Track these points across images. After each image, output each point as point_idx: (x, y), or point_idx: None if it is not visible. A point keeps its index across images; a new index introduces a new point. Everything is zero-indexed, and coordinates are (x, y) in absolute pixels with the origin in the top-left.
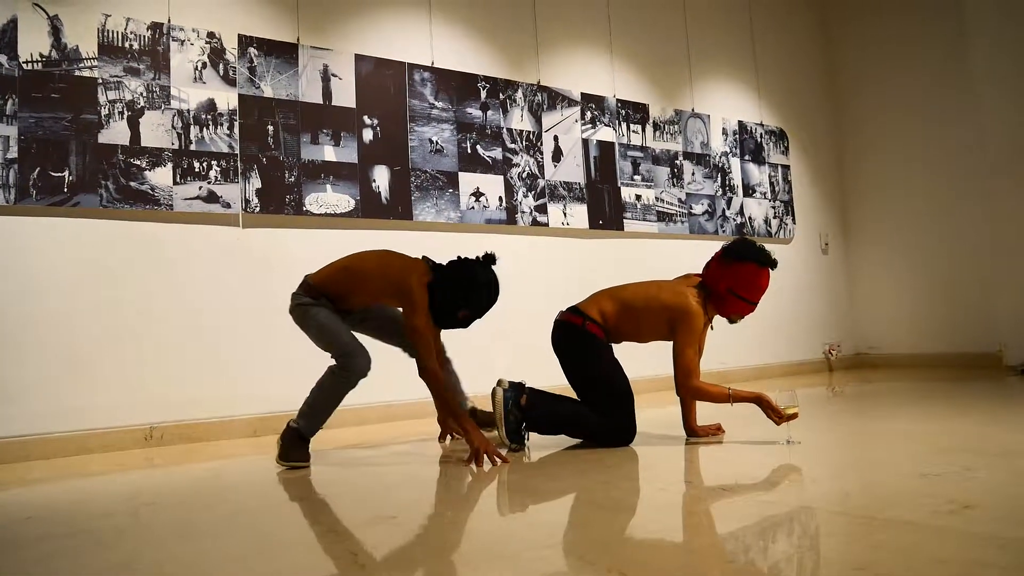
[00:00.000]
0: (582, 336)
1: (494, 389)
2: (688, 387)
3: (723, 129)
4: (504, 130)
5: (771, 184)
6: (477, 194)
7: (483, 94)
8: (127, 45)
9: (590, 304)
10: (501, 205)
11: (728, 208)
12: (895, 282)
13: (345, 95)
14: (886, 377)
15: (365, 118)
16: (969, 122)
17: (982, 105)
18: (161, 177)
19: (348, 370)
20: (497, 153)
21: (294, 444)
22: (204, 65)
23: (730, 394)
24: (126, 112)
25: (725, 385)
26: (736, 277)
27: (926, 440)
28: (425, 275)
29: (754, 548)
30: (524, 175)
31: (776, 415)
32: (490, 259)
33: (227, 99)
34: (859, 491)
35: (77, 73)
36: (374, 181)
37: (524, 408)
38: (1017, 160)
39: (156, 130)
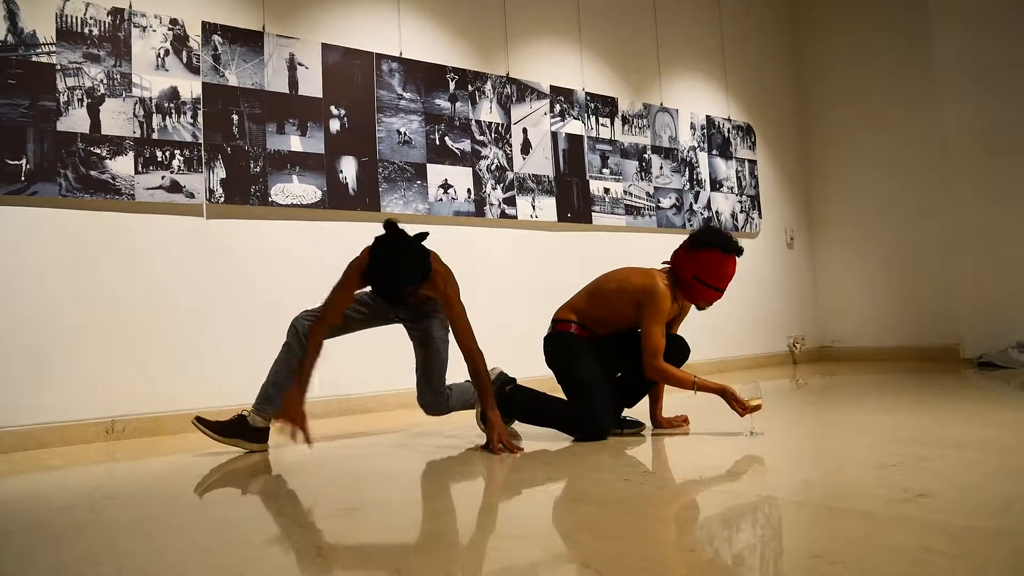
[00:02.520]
0: (551, 339)
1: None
2: (653, 367)
3: (691, 124)
4: (473, 122)
5: (738, 179)
6: (445, 186)
7: (452, 85)
8: (87, 31)
9: (564, 307)
10: (469, 197)
11: (695, 202)
12: (858, 276)
13: (312, 85)
14: (848, 370)
15: (332, 108)
16: (931, 120)
17: (943, 103)
18: (122, 166)
19: None
20: (466, 145)
21: (241, 425)
22: (167, 52)
23: (695, 382)
24: (86, 99)
25: (691, 373)
26: (701, 264)
27: (885, 431)
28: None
29: (716, 538)
30: (493, 167)
31: (739, 407)
32: (388, 226)
33: (190, 87)
34: (819, 481)
35: (34, 59)
36: (341, 172)
37: (507, 395)
38: (975, 157)
39: (117, 118)
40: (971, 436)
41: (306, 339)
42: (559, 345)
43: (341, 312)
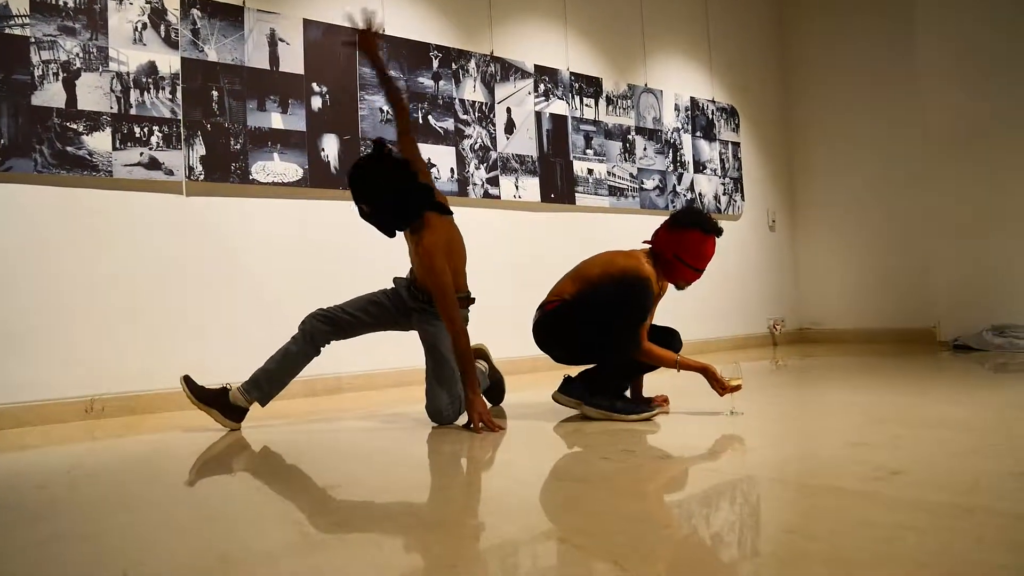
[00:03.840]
0: (547, 318)
1: (555, 399)
2: (638, 347)
3: (675, 105)
4: (456, 100)
5: (721, 161)
6: (428, 165)
7: (435, 63)
8: (61, 3)
9: (550, 294)
10: (453, 177)
11: (679, 184)
12: (837, 260)
13: (293, 61)
14: (827, 352)
15: (314, 85)
16: (912, 105)
17: (925, 89)
18: (99, 142)
19: None
20: (449, 124)
21: (221, 398)
22: (144, 26)
23: (678, 361)
24: (61, 73)
25: (675, 352)
26: (682, 244)
27: (861, 411)
28: None
29: (694, 515)
30: (476, 147)
31: (720, 386)
32: (375, 144)
33: (169, 62)
34: (796, 459)
35: (7, 31)
36: (323, 150)
37: (576, 379)
38: (954, 143)
39: (93, 93)
40: (944, 416)
41: (313, 342)
42: (558, 318)
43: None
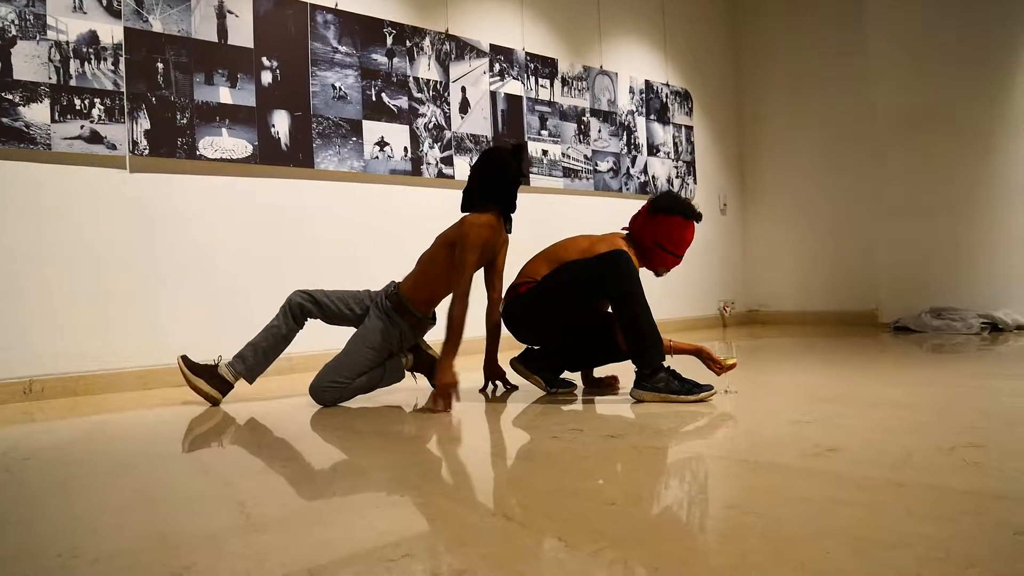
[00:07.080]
0: (518, 300)
1: (514, 367)
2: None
3: (630, 88)
4: (410, 79)
5: (675, 144)
6: (381, 143)
7: (389, 40)
8: None
9: (521, 275)
10: (406, 156)
11: (632, 166)
12: (785, 243)
13: (242, 34)
14: (774, 333)
15: (264, 60)
16: (860, 94)
17: (873, 80)
18: (37, 114)
19: None
20: (403, 102)
21: (211, 370)
22: None
23: (671, 346)
24: None
25: (665, 336)
26: (662, 230)
27: (804, 390)
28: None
29: (638, 491)
30: (430, 126)
31: (716, 366)
32: (516, 146)
33: (111, 32)
34: (741, 437)
35: None
36: (273, 126)
37: (529, 354)
38: (901, 131)
39: (31, 62)
40: (882, 395)
41: (295, 318)
42: (531, 299)
43: None
